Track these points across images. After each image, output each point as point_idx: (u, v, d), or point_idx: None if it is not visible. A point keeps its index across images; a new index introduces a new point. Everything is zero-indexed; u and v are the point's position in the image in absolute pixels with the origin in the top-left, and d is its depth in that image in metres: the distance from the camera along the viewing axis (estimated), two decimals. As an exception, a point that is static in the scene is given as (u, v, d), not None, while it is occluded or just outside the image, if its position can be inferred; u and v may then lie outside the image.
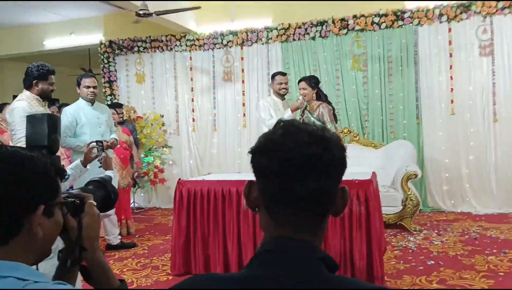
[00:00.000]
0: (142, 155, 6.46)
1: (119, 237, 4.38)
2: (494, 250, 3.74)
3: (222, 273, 0.85)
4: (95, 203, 1.02)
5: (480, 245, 3.92)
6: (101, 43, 7.08)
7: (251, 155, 0.81)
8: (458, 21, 5.48)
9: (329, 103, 4.18)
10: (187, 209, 3.42)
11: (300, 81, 4.21)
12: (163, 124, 6.75)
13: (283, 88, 4.27)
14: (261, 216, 0.82)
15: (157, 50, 6.86)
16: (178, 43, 6.71)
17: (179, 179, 3.60)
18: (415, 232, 4.45)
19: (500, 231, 4.40)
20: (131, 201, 6.55)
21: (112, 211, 4.16)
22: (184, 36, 6.65)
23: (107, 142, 3.79)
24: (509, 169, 5.34)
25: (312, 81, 4.13)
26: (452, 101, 5.55)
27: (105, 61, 7.09)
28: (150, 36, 6.83)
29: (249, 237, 3.27)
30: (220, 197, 3.36)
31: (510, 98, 5.34)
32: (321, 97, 4.16)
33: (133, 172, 5.26)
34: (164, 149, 6.66)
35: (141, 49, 6.93)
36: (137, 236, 4.85)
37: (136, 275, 3.53)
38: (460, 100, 5.52)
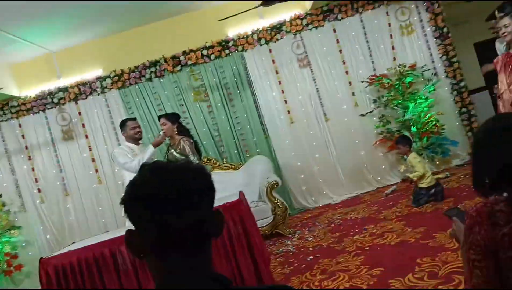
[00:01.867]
0: (-15, 246, 5.55)
1: None
2: (357, 230, 4.24)
3: None
4: None
5: (345, 229, 4.41)
6: None
7: (123, 206, 0.81)
8: (275, 42, 6.16)
9: (191, 137, 4.33)
10: (57, 288, 3.05)
11: (159, 117, 4.39)
12: (4, 205, 5.90)
13: (138, 132, 4.25)
14: (149, 261, 0.83)
15: (-23, 125, 6.03)
16: (1, 112, 6.01)
17: (41, 257, 3.20)
18: (290, 235, 4.77)
19: (357, 212, 5.01)
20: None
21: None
22: (7, 104, 6.00)
23: None
24: (349, 157, 6.14)
25: (172, 117, 4.29)
26: (288, 112, 6.16)
27: None
28: (-38, 111, 5.97)
29: (139, 294, 3.08)
30: (93, 264, 3.09)
31: (333, 99, 6.17)
32: (183, 132, 4.30)
33: None
34: (12, 231, 5.82)
35: (-45, 126, 6.00)
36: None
37: None
38: (295, 109, 6.17)
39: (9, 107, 6.00)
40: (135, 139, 4.24)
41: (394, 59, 6.15)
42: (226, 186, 5.30)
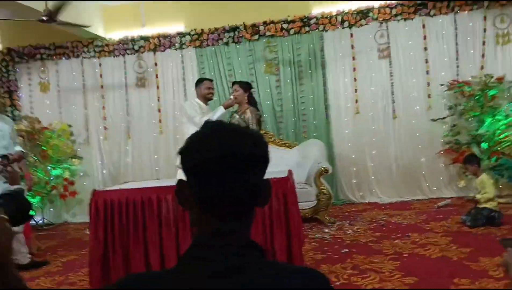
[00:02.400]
0: (49, 168, 6.06)
1: (29, 255, 4.06)
2: (399, 235, 4.12)
3: (154, 271, 0.87)
4: (6, 217, 0.97)
5: (387, 231, 4.29)
6: (-2, 51, 6.53)
7: (180, 156, 0.84)
8: (359, 27, 5.95)
9: (257, 109, 4.51)
10: (104, 220, 3.27)
11: (233, 83, 4.63)
12: (71, 134, 6.38)
13: (210, 93, 4.39)
14: (192, 214, 0.86)
15: (63, 57, 6.49)
16: (85, 49, 6.40)
17: (94, 189, 3.45)
18: (329, 224, 4.74)
19: (403, 217, 4.85)
20: (40, 218, 6.12)
21: (19, 228, 3.86)
22: (92, 42, 6.37)
23: (12, 155, 3.51)
24: (408, 161, 5.90)
25: (245, 85, 4.51)
26: (356, 101, 6.00)
27: (4, 70, 6.54)
28: (54, 43, 6.44)
29: (172, 245, 3.22)
30: (139, 206, 3.27)
31: (406, 97, 5.91)
32: (251, 102, 4.48)
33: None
34: (74, 160, 6.30)
35: (44, 56, 6.50)
36: (49, 253, 4.54)
37: (51, 294, 3.32)
38: (363, 99, 5.99)
39: (93, 46, 6.38)
40: (206, 99, 4.37)
41: (482, 67, 5.73)
42: (277, 162, 5.30)
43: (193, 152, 0.82)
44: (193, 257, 0.80)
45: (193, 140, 0.84)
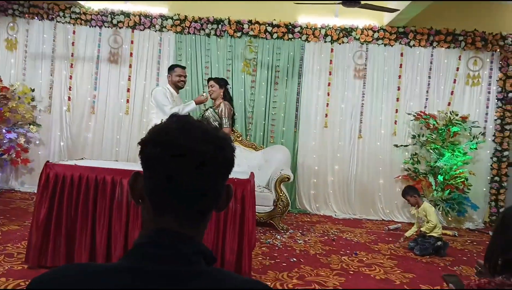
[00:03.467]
0: (4, 131, 5.76)
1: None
2: (348, 251, 4.19)
3: (95, 264, 0.79)
4: None
5: (336, 246, 4.36)
6: (-36, -3, 6.13)
7: (140, 146, 0.79)
8: (340, 44, 6.03)
9: (232, 105, 4.52)
10: (52, 194, 3.12)
11: (209, 79, 4.64)
12: (32, 99, 6.09)
13: (182, 81, 4.33)
14: (144, 209, 0.81)
15: (36, 18, 6.18)
16: (61, 13, 6.13)
17: (47, 161, 3.29)
18: (282, 231, 4.76)
19: (354, 234, 4.95)
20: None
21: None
22: (70, 8, 6.11)
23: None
24: (366, 181, 6.05)
25: (221, 82, 4.52)
26: (326, 115, 6.08)
27: (-32, 18, 6.16)
28: (28, 0, 6.12)
29: (121, 230, 3.12)
30: (92, 185, 3.14)
31: (374, 119, 6.05)
32: (227, 98, 4.49)
33: None
34: (31, 126, 6.02)
35: (16, 13, 6.17)
36: (-12, 220, 4.31)
37: (-17, 263, 3.13)
38: (333, 115, 6.08)
39: (70, 11, 6.12)
40: (177, 87, 4.32)
41: (449, 104, 5.96)
42: (240, 162, 5.31)
43: (153, 144, 0.77)
44: (138, 257, 0.73)
45: (155, 131, 0.79)
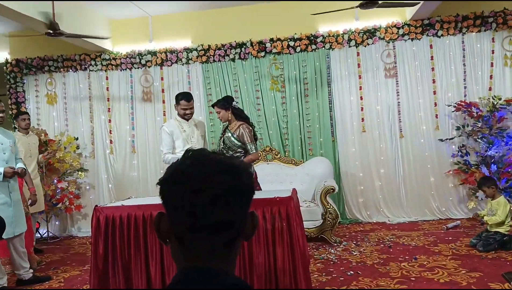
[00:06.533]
0: (55, 181, 6.04)
1: (31, 270, 4.00)
2: (406, 257, 4.02)
3: None
4: None
5: (394, 253, 4.20)
6: (6, 62, 6.58)
7: (159, 186, 0.80)
8: (365, 46, 5.94)
9: (249, 122, 4.12)
10: (105, 236, 3.22)
11: (213, 106, 4.17)
12: (77, 147, 6.38)
13: (188, 114, 4.09)
14: (172, 248, 0.82)
15: (70, 70, 6.53)
16: (93, 62, 6.44)
17: (96, 205, 3.41)
18: (335, 244, 4.65)
19: (411, 238, 4.75)
20: (45, 231, 6.08)
21: (21, 244, 3.83)
22: (100, 56, 6.41)
23: (14, 169, 3.51)
24: (416, 180, 5.83)
25: (225, 104, 4.06)
26: (362, 119, 5.95)
27: (12, 81, 6.60)
28: (62, 55, 6.49)
29: (173, 262, 3.17)
30: (141, 222, 3.23)
31: (412, 116, 5.87)
32: (238, 115, 4.08)
33: (28, 199, 4.47)
34: (80, 173, 6.29)
35: (52, 68, 6.54)
36: (52, 268, 4.48)
37: (49, 312, 3.25)
38: (370, 118, 5.95)
39: (101, 59, 6.42)
40: (184, 119, 4.11)
41: (490, 89, 5.69)
42: (282, 180, 5.28)
43: (171, 183, 0.78)
44: None
45: (171, 170, 0.80)
